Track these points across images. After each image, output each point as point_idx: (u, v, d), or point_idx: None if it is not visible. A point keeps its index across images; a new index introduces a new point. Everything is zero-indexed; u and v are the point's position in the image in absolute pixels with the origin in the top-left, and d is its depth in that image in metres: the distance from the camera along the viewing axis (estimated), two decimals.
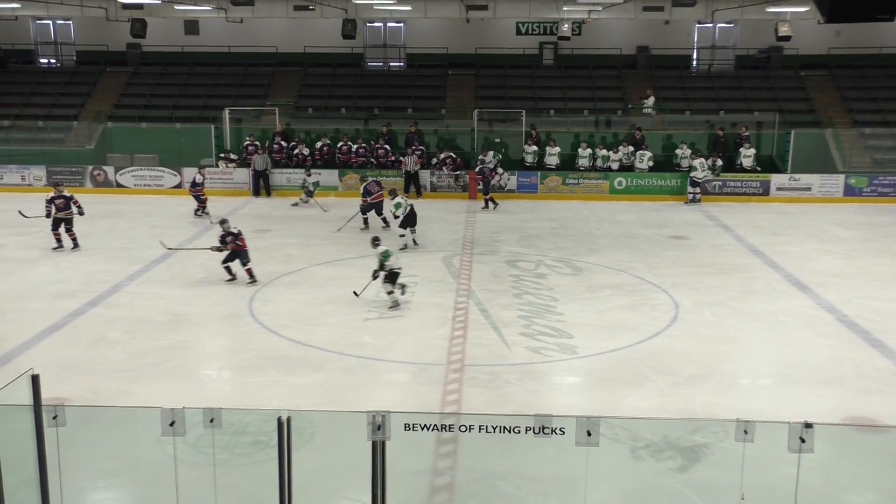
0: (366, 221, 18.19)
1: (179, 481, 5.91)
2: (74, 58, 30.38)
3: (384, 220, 18.13)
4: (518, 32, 28.87)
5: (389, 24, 29.67)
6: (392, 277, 12.42)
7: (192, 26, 29.23)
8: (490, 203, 21.20)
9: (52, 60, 30.78)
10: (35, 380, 5.48)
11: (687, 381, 9.71)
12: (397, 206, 16.17)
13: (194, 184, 20.05)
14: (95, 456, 7.08)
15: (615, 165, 23.20)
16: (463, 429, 5.57)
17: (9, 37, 29.41)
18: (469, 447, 7.31)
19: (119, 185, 23.08)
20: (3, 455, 5.38)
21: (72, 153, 24.50)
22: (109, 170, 23.32)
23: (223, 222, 14.11)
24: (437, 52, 28.74)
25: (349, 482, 7.04)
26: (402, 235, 16.25)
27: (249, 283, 13.62)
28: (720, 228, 18.98)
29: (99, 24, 27.66)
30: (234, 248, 13.71)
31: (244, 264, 13.76)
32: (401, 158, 23.08)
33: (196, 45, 29.26)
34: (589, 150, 23.35)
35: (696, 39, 29.34)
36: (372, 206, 18.11)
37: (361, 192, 18.22)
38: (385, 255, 12.43)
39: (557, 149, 23.41)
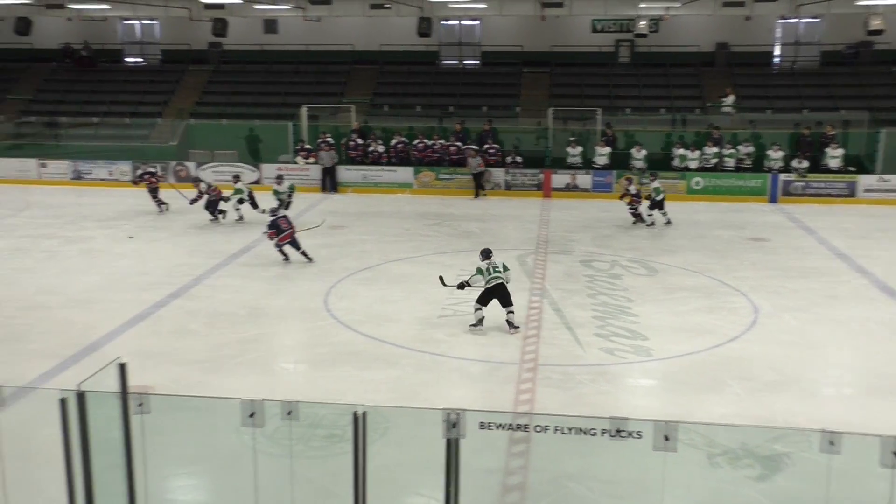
0: None
1: (257, 471, 6.03)
2: (159, 56, 31.37)
3: None
4: (594, 30, 28.56)
5: (464, 22, 29.71)
6: (483, 297, 11.24)
7: (270, 25, 29.82)
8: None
9: (139, 59, 31.84)
10: (123, 368, 5.65)
11: (766, 388, 9.45)
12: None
13: (147, 173, 19.77)
14: (177, 443, 7.28)
15: (693, 165, 22.70)
16: (538, 429, 5.53)
17: (98, 37, 30.55)
18: (542, 447, 7.26)
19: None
20: (93, 439, 5.58)
21: (156, 149, 25.25)
22: (191, 165, 23.98)
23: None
24: (512, 49, 28.65)
25: (422, 478, 7.07)
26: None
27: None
28: (802, 231, 18.41)
29: (182, 24, 28.49)
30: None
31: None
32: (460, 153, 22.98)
33: (275, 43, 29.85)
34: (644, 152, 22.89)
35: (778, 35, 28.51)
36: None
37: None
38: (478, 271, 11.26)
39: (608, 149, 23.04)
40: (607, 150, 23.09)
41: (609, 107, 25.58)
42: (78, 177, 24.16)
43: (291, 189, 19.07)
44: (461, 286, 11.33)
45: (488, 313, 11.24)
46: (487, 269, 11.24)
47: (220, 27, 25.85)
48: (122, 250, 16.00)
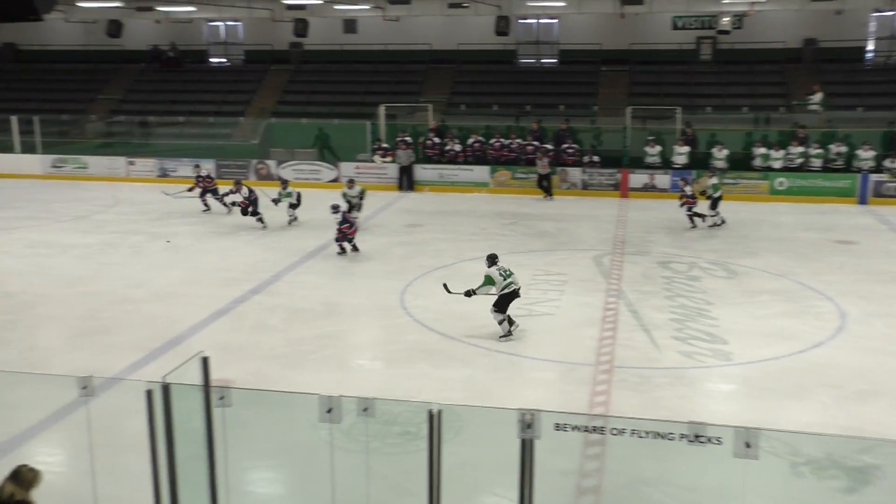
0: None
1: (334, 466, 6.12)
2: (242, 57, 32.16)
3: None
4: (674, 27, 27.96)
5: (542, 21, 29.55)
6: (501, 304, 10.91)
7: (350, 25, 30.26)
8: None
9: (223, 60, 32.70)
10: (205, 362, 5.81)
11: (854, 397, 9.11)
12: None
13: (201, 177, 20.12)
14: (257, 436, 7.45)
15: (777, 164, 22.02)
16: (614, 432, 5.46)
17: (184, 38, 31.52)
18: (617, 450, 7.16)
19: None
20: (176, 430, 5.75)
21: (238, 147, 25.84)
22: (272, 163, 24.48)
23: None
24: (590, 48, 28.34)
25: (496, 478, 7.07)
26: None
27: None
28: (895, 233, 17.67)
29: (265, 25, 29.15)
30: None
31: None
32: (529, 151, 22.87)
33: (354, 43, 30.26)
34: (726, 152, 22.26)
35: (872, 30, 27.40)
36: None
37: None
38: (488, 280, 10.82)
39: (687, 148, 22.49)
40: (686, 149, 22.57)
41: (689, 105, 25.03)
42: (164, 174, 24.93)
43: (362, 194, 19.19)
44: (468, 294, 11.04)
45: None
46: (502, 276, 10.80)
47: (301, 27, 26.36)
48: (206, 247, 16.45)
